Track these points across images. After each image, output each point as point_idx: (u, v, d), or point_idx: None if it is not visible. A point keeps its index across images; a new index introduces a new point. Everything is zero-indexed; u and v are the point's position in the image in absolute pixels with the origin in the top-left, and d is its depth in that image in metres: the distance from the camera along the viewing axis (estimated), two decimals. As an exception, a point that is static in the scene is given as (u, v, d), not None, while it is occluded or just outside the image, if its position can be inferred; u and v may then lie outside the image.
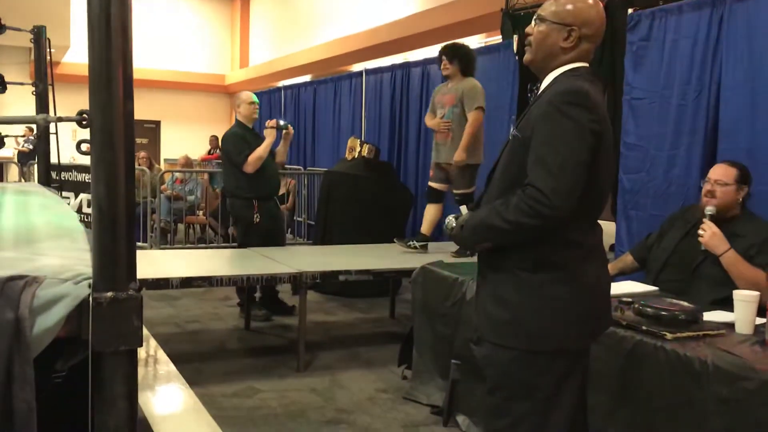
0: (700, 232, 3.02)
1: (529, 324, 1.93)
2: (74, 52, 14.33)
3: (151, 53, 16.80)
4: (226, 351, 4.74)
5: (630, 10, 4.35)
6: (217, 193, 8.82)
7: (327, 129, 9.10)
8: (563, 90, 1.91)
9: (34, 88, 3.67)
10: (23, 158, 13.05)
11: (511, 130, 2.07)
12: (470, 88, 4.76)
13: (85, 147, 1.14)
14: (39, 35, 3.66)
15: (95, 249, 1.10)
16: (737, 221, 3.07)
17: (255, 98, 5.44)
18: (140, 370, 1.29)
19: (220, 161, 6.60)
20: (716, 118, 3.83)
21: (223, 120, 18.67)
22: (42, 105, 3.65)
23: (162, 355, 1.97)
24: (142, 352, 1.93)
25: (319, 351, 4.67)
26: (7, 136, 3.23)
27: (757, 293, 2.50)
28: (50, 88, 3.66)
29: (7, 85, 3.16)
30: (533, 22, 2.06)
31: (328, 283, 5.71)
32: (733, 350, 2.21)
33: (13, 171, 14.49)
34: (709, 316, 2.59)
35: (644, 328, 2.41)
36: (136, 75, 1.12)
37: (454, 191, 4.91)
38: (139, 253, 1.16)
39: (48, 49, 3.68)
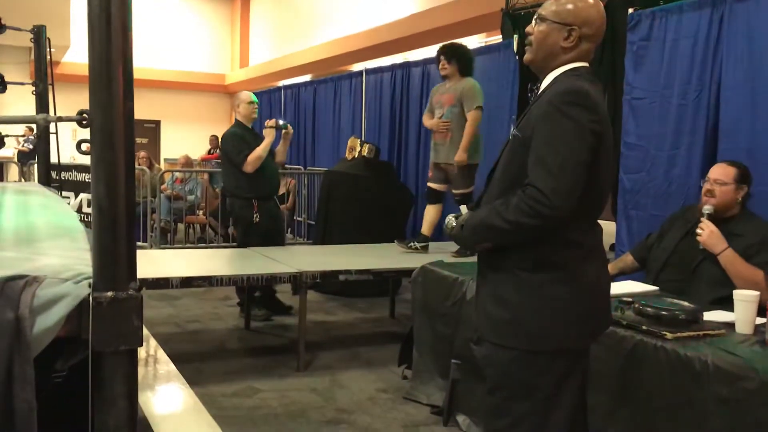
0: (698, 231, 3.03)
1: (529, 324, 1.93)
2: (74, 52, 14.34)
3: (151, 53, 16.80)
4: (226, 351, 4.74)
5: (630, 10, 4.35)
6: (217, 192, 8.82)
7: (327, 129, 9.10)
8: (563, 90, 1.91)
9: (34, 88, 3.67)
10: (23, 158, 13.05)
11: (512, 129, 2.07)
12: (469, 88, 4.76)
13: (85, 147, 1.14)
14: (39, 35, 3.66)
15: (95, 249, 1.10)
16: (736, 221, 3.07)
17: (254, 98, 5.44)
18: (140, 370, 1.29)
19: (220, 161, 6.60)
20: (716, 118, 3.83)
21: (223, 120, 18.67)
22: (42, 105, 3.65)
23: (162, 354, 1.97)
24: (142, 352, 1.93)
25: (320, 351, 4.67)
26: (7, 135, 3.23)
27: (757, 293, 2.50)
28: (50, 87, 3.66)
29: (7, 85, 3.16)
30: (533, 22, 2.06)
31: (328, 282, 5.71)
32: (734, 350, 2.21)
33: (13, 171, 14.49)
34: (710, 315, 2.59)
35: (644, 327, 2.41)
36: (136, 75, 1.12)
37: (454, 191, 4.91)
38: (139, 252, 1.16)
39: (48, 49, 3.68)
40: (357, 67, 10.97)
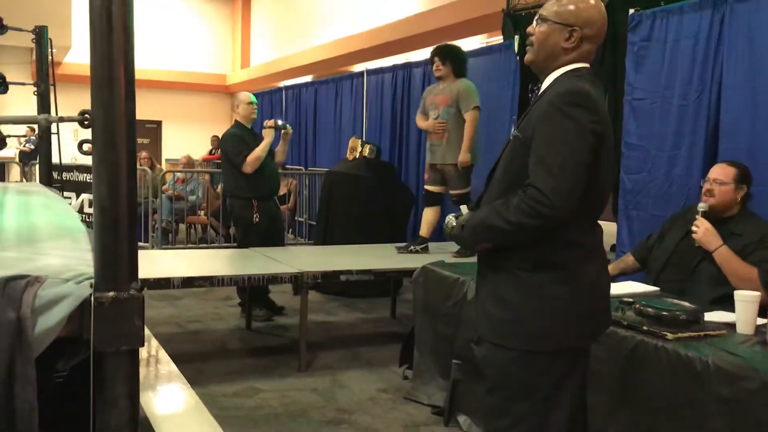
0: (693, 228, 3.06)
1: (529, 324, 1.93)
2: (76, 52, 14.35)
3: (152, 53, 16.80)
4: (227, 351, 4.75)
5: (631, 11, 4.35)
6: (218, 193, 8.82)
7: (328, 129, 9.10)
8: (564, 90, 1.91)
9: (35, 88, 3.68)
10: (25, 158, 13.06)
11: (512, 130, 2.07)
12: (465, 89, 4.76)
13: (86, 147, 1.14)
14: (40, 35, 3.67)
15: (97, 249, 1.10)
16: (736, 220, 3.08)
17: (253, 98, 5.45)
18: (142, 370, 1.29)
19: (220, 161, 6.61)
20: (717, 118, 3.83)
21: (225, 120, 18.67)
22: (43, 105, 3.66)
23: (163, 354, 1.97)
24: (143, 352, 1.93)
25: (320, 351, 4.67)
26: (8, 136, 3.23)
27: (757, 293, 2.50)
28: (52, 88, 3.67)
29: (9, 86, 3.16)
30: (535, 22, 2.06)
31: (329, 283, 5.71)
32: (735, 351, 2.21)
33: (15, 171, 14.50)
34: (710, 316, 2.59)
35: (645, 328, 2.41)
36: (137, 75, 1.12)
37: (451, 192, 4.90)
38: (140, 253, 1.16)
39: (49, 49, 3.69)
40: (358, 67, 10.96)
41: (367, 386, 4.04)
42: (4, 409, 1.06)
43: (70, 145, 4.26)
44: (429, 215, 5.09)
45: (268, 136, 5.30)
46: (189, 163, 10.27)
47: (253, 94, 5.57)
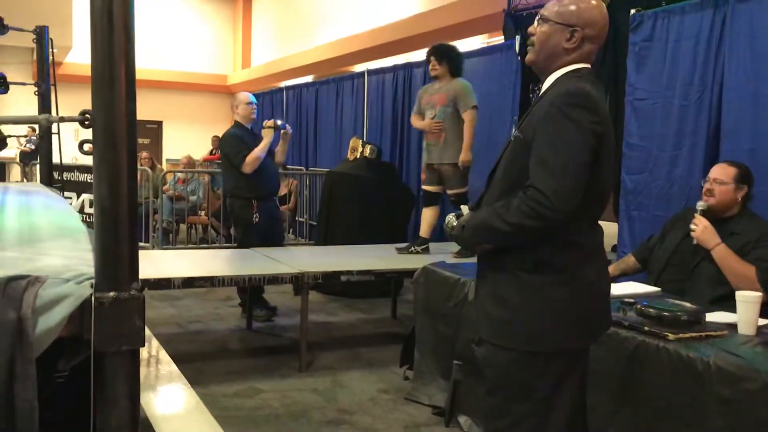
0: (692, 226, 3.06)
1: (528, 325, 1.93)
2: (76, 52, 14.36)
3: (153, 53, 16.80)
4: (227, 351, 4.74)
5: (632, 11, 4.35)
6: (218, 194, 8.83)
7: (329, 129, 9.11)
8: (565, 91, 1.91)
9: (36, 88, 3.68)
10: (25, 158, 13.06)
11: (513, 130, 2.06)
12: (462, 88, 4.77)
13: (87, 147, 1.14)
14: (41, 35, 3.68)
15: (97, 249, 1.10)
16: (736, 220, 3.08)
17: (252, 98, 5.45)
18: (142, 370, 1.29)
19: (220, 162, 6.62)
20: (719, 119, 3.83)
21: (225, 120, 18.64)
22: (44, 105, 3.67)
23: (164, 355, 1.97)
24: (144, 352, 1.93)
25: (321, 351, 4.67)
26: (9, 136, 3.24)
27: (759, 294, 2.49)
28: (53, 88, 3.67)
29: (10, 85, 3.17)
30: (536, 23, 2.06)
31: (329, 283, 5.71)
32: (736, 351, 2.21)
33: (16, 171, 14.51)
34: (712, 317, 2.58)
35: (646, 328, 2.41)
36: (138, 75, 1.12)
37: (449, 192, 4.90)
38: (141, 253, 1.16)
39: (50, 49, 3.69)
40: (359, 67, 10.96)
41: (367, 387, 4.04)
42: (5, 409, 1.06)
43: (71, 145, 4.26)
44: (428, 215, 5.09)
45: (267, 136, 5.31)
46: (190, 163, 10.27)
47: (254, 94, 5.58)
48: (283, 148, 5.58)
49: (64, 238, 1.67)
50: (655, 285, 3.18)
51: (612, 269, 3.48)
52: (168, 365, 1.88)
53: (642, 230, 4.15)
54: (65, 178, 7.78)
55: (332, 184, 6.82)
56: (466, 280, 3.41)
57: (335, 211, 6.71)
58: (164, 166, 15.09)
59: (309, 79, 12.66)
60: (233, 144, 5.29)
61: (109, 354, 1.08)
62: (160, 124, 19.36)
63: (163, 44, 18.00)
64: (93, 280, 1.11)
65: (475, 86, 4.92)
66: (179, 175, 9.55)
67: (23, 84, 3.94)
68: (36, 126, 9.98)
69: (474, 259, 2.18)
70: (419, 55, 9.49)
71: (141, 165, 8.90)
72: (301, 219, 9.31)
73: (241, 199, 5.31)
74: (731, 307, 2.56)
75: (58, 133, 3.43)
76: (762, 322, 2.49)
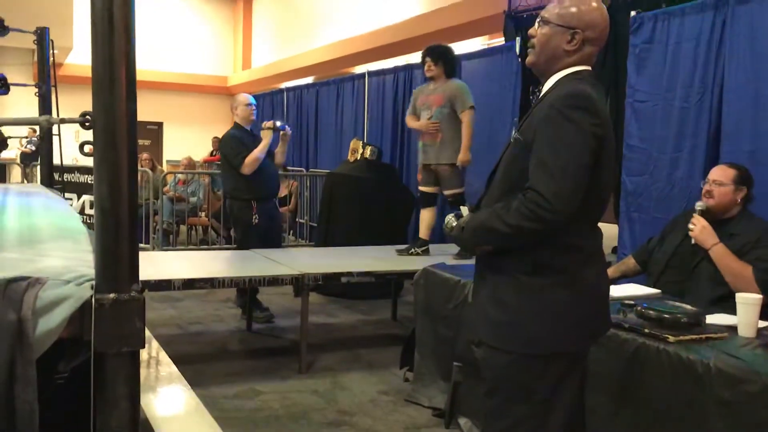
0: (690, 226, 3.07)
1: (527, 327, 1.93)
2: (77, 54, 14.37)
3: (153, 55, 16.82)
4: (227, 352, 4.74)
5: (633, 13, 4.35)
6: (219, 195, 8.83)
7: (329, 131, 9.11)
8: (565, 93, 1.91)
9: (37, 90, 3.68)
10: (26, 159, 13.07)
11: (513, 132, 2.06)
12: (458, 88, 4.78)
13: (88, 149, 1.14)
14: (42, 36, 3.67)
15: (98, 250, 1.10)
16: (736, 222, 3.09)
17: (252, 100, 5.46)
18: (142, 372, 1.29)
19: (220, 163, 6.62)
20: (719, 121, 3.83)
21: (226, 121, 18.59)
22: (45, 106, 3.66)
23: (164, 356, 1.97)
24: (144, 354, 1.93)
25: (321, 353, 4.67)
26: (10, 137, 3.24)
27: (759, 296, 2.49)
28: (53, 89, 3.67)
29: (11, 87, 3.17)
30: (536, 24, 2.06)
31: (329, 284, 5.71)
32: (736, 353, 2.21)
33: (16, 172, 14.52)
34: (712, 319, 2.58)
35: (647, 330, 2.41)
36: (138, 76, 1.12)
37: (446, 192, 4.90)
38: (141, 254, 1.16)
39: (51, 51, 3.69)
40: (359, 69, 10.97)
41: (367, 388, 4.04)
42: (5, 410, 1.06)
43: (71, 146, 4.26)
44: (426, 216, 5.09)
45: (266, 137, 5.32)
46: (190, 164, 10.27)
47: (255, 96, 5.58)
48: (283, 149, 5.58)
49: (65, 239, 1.67)
50: (654, 287, 3.18)
51: (612, 271, 3.48)
52: (168, 367, 1.88)
53: (642, 232, 4.15)
54: (66, 180, 7.78)
55: (332, 186, 6.82)
56: (466, 281, 3.41)
57: (335, 213, 6.71)
58: (164, 167, 15.09)
59: (309, 80, 12.67)
60: (232, 145, 5.30)
61: (110, 355, 1.08)
62: (160, 125, 19.37)
63: (163, 45, 18.01)
64: (93, 282, 1.11)
65: (476, 87, 4.93)
66: (179, 176, 9.55)
67: (24, 85, 3.93)
68: (36, 127, 9.98)
69: (474, 261, 2.17)
70: (419, 56, 9.50)
71: (141, 166, 8.90)
72: (301, 220, 9.31)
73: (240, 201, 5.32)
74: (731, 307, 2.56)
75: (59, 135, 3.43)
76: (762, 324, 2.49)
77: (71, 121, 1.17)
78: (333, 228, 6.71)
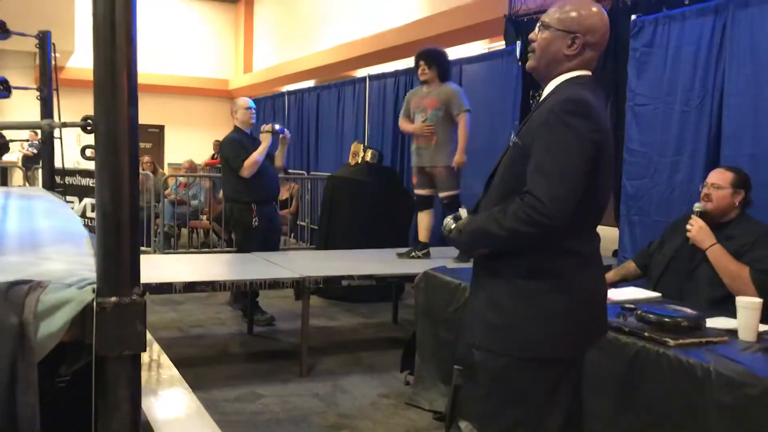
0: (688, 227, 3.08)
1: (523, 331, 1.93)
2: (79, 57, 14.38)
3: (155, 58, 16.84)
4: (228, 355, 4.74)
5: (633, 16, 4.35)
6: (220, 198, 8.83)
7: (330, 134, 9.11)
8: (564, 99, 1.91)
9: (38, 93, 3.68)
10: (28, 162, 13.08)
11: (512, 136, 2.07)
12: (452, 91, 4.81)
13: (89, 152, 1.14)
14: (44, 40, 3.68)
15: (99, 253, 1.10)
16: (734, 225, 3.10)
17: (251, 103, 5.49)
18: (143, 375, 1.29)
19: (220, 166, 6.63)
20: (719, 125, 3.84)
21: (227, 125, 18.39)
22: (46, 110, 3.67)
23: (165, 359, 1.97)
24: (145, 357, 1.94)
25: (322, 356, 4.67)
26: (12, 140, 3.24)
27: (759, 300, 2.50)
28: (55, 92, 3.67)
29: (12, 90, 3.17)
30: (537, 29, 2.06)
31: (330, 287, 5.71)
32: (736, 357, 2.21)
33: (18, 175, 14.52)
34: (712, 322, 2.58)
35: (647, 334, 2.41)
36: (140, 80, 1.12)
37: (441, 194, 4.91)
38: (142, 257, 1.16)
39: (53, 54, 3.70)
40: (360, 72, 10.98)
41: (368, 391, 4.04)
42: (7, 414, 1.06)
43: (73, 149, 4.27)
44: (423, 219, 5.10)
45: (264, 140, 5.34)
46: (191, 167, 10.28)
47: (256, 99, 5.60)
48: (282, 153, 5.59)
49: (66, 242, 1.67)
50: (654, 289, 3.19)
51: (612, 275, 3.49)
52: (169, 370, 1.88)
53: (643, 235, 4.15)
54: (67, 183, 7.79)
55: (333, 189, 6.83)
56: (466, 285, 3.40)
57: (336, 216, 6.72)
58: (166, 170, 15.10)
59: (311, 83, 12.68)
60: (232, 148, 5.32)
61: (111, 358, 1.09)
62: (161, 128, 19.37)
63: (165, 49, 18.03)
64: (95, 285, 1.11)
65: (476, 91, 4.94)
66: (181, 179, 9.55)
67: (25, 88, 3.93)
68: (38, 130, 10.00)
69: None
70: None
71: (143, 169, 8.90)
72: (302, 223, 9.31)
73: (240, 203, 5.33)
74: (730, 309, 2.56)
75: (60, 138, 3.43)
76: (762, 328, 2.49)
77: (73, 124, 1.18)
78: (334, 231, 6.71)
